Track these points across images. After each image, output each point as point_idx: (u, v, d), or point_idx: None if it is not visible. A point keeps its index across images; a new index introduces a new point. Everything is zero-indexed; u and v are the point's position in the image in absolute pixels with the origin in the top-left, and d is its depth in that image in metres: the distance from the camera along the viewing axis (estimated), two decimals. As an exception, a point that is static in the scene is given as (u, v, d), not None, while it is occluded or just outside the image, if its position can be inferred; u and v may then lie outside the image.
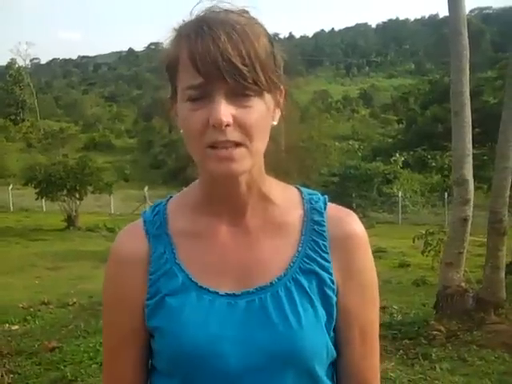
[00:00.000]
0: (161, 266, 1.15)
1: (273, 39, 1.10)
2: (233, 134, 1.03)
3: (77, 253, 15.28)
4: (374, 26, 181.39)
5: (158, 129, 52.54)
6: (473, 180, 7.00)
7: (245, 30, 1.03)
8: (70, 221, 22.28)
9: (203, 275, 1.13)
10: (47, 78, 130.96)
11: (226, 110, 1.01)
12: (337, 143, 44.08)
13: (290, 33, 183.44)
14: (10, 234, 21.05)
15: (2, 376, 5.10)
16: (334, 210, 1.21)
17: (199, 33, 1.03)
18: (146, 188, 27.02)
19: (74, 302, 9.54)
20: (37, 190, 22.93)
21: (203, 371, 1.08)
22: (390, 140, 46.91)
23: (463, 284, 6.97)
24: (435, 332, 6.42)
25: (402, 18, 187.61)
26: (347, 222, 1.20)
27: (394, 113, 59.05)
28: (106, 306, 1.21)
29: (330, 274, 1.15)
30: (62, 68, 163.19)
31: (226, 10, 1.07)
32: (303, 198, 1.22)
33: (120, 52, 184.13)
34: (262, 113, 1.06)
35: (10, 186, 31.36)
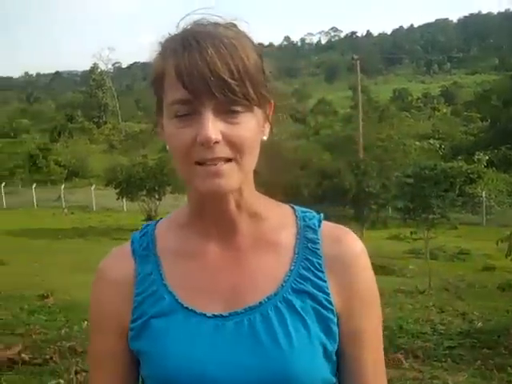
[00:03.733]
0: (147, 287, 1.10)
1: (261, 52, 1.05)
2: (222, 150, 0.98)
3: (156, 252, 15.54)
4: (455, 21, 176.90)
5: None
6: None
7: (233, 44, 0.99)
8: (150, 220, 22.69)
9: (191, 296, 1.08)
10: (128, 81, 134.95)
11: (214, 127, 0.97)
12: (417, 142, 43.17)
13: (368, 31, 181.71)
14: (93, 233, 21.75)
15: (75, 374, 5.18)
16: (329, 228, 1.14)
17: (186, 46, 0.98)
18: (223, 188, 27.23)
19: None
20: (117, 191, 23.58)
21: None
22: (471, 138, 45.48)
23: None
24: (517, 342, 6.11)
25: (484, 11, 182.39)
26: (344, 239, 1.12)
27: (477, 110, 57.26)
28: (92, 324, 1.18)
29: (327, 294, 1.08)
30: (143, 71, 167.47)
31: (213, 24, 1.03)
32: (296, 216, 1.15)
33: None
34: (252, 128, 1.01)
35: (93, 187, 32.43)
